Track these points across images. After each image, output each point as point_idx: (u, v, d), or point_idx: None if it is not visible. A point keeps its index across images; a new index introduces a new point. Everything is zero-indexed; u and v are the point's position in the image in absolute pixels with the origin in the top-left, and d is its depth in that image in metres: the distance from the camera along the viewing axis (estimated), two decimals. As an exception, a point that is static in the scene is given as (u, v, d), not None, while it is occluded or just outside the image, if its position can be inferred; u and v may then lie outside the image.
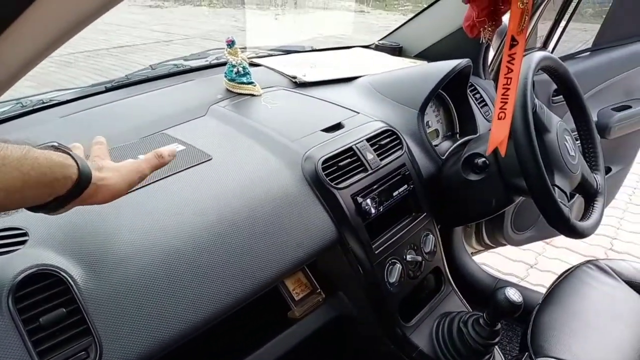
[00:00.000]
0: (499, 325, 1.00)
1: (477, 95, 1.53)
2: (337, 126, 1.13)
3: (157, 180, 0.88)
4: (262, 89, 1.29)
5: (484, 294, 1.76)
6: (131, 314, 0.70)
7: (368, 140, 1.10)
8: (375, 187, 1.05)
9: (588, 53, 1.90)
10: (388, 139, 1.13)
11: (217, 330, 0.83)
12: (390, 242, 1.05)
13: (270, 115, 1.16)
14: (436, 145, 1.32)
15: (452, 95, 1.41)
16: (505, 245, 1.97)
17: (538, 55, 1.11)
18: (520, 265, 2.52)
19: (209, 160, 0.96)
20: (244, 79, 1.26)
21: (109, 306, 0.69)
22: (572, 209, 1.74)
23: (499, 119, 0.86)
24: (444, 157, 1.26)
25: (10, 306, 0.63)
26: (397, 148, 1.14)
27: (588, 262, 1.39)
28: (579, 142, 1.29)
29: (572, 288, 1.31)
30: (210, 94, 1.25)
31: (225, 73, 1.27)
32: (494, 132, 0.90)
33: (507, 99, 0.85)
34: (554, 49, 1.87)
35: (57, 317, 0.65)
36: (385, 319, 1.04)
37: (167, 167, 0.91)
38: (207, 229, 0.82)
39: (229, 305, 0.79)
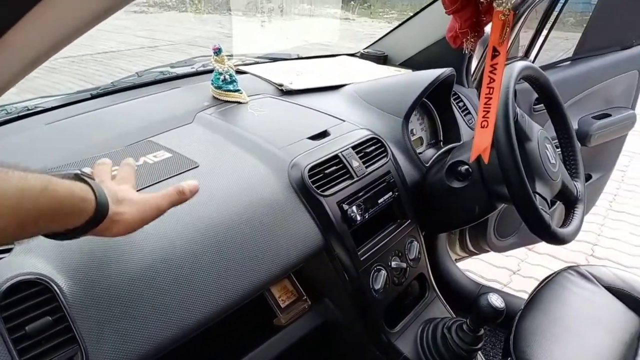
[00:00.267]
0: (482, 331, 1.02)
1: (461, 104, 1.55)
2: (323, 134, 1.15)
3: (142, 189, 0.88)
4: (249, 96, 1.29)
5: (467, 300, 1.78)
6: (117, 322, 0.70)
7: (354, 148, 1.11)
8: (360, 194, 1.06)
9: (569, 62, 1.94)
10: (373, 147, 1.15)
11: (203, 338, 0.83)
12: (376, 248, 1.07)
13: (257, 122, 1.17)
14: (420, 153, 1.34)
15: (436, 104, 1.43)
16: (488, 251, 1.99)
17: (519, 65, 1.13)
18: (503, 271, 2.55)
19: (195, 167, 0.96)
20: (231, 87, 1.27)
21: (95, 314, 0.69)
22: (553, 216, 1.78)
23: (481, 127, 0.88)
24: (428, 165, 1.28)
25: None
26: (382, 156, 1.15)
27: (569, 268, 1.42)
28: (559, 150, 1.32)
29: (553, 294, 1.33)
30: (197, 101, 1.25)
31: (212, 80, 1.28)
32: (477, 140, 0.92)
33: (489, 107, 0.87)
34: (535, 57, 1.91)
35: (43, 325, 0.65)
36: (370, 325, 1.05)
37: (152, 174, 0.92)
38: (193, 236, 0.82)
39: (215, 312, 0.79)
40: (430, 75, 1.29)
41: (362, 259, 1.03)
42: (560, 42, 2.28)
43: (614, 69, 1.97)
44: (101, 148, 1.00)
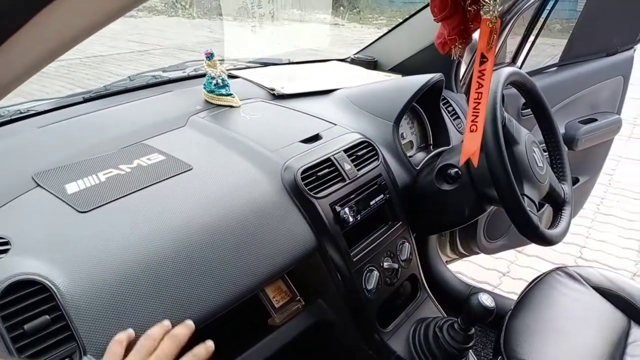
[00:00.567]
0: (473, 330, 1.04)
1: (450, 108, 1.57)
2: (315, 137, 1.16)
3: (138, 190, 0.89)
4: (241, 100, 1.31)
5: (458, 300, 1.79)
6: (115, 321, 0.71)
7: (345, 151, 1.13)
8: (352, 196, 1.08)
9: (555, 68, 1.97)
10: (365, 150, 1.16)
11: (198, 337, 0.84)
12: (368, 249, 1.08)
13: (250, 126, 1.18)
14: (411, 156, 1.36)
15: (426, 108, 1.46)
16: (478, 253, 2.02)
17: (507, 70, 1.15)
18: (493, 273, 2.58)
19: (189, 170, 0.98)
20: (223, 91, 1.28)
21: (93, 312, 0.70)
22: (542, 218, 1.80)
23: (471, 131, 0.90)
24: (418, 168, 1.30)
25: None
26: (373, 159, 1.17)
27: (557, 269, 1.45)
28: (547, 154, 1.34)
29: (542, 294, 1.35)
30: (189, 105, 1.26)
31: (204, 85, 1.29)
32: (466, 144, 0.94)
33: (478, 112, 0.89)
34: (522, 63, 1.94)
35: (41, 324, 0.66)
36: (363, 324, 1.07)
37: (148, 177, 0.93)
38: (188, 237, 0.83)
39: (210, 311, 0.81)
40: (420, 80, 1.31)
41: (354, 259, 1.04)
42: (547, 48, 2.31)
43: (600, 74, 2.01)
44: (95, 151, 1.01)
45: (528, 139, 1.18)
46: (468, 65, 1.74)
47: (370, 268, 1.08)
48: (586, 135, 1.95)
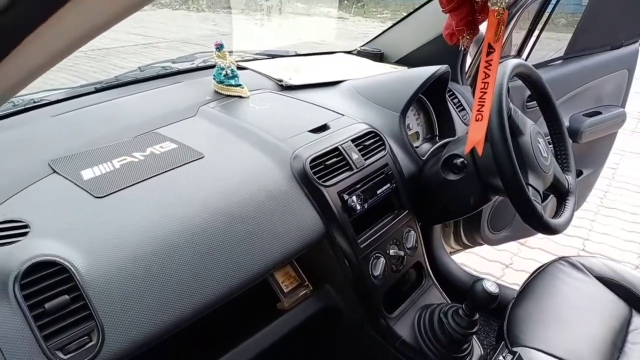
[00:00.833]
0: (477, 316, 1.06)
1: (455, 100, 1.59)
2: (323, 127, 1.18)
3: (152, 177, 0.91)
4: (250, 91, 1.33)
5: (461, 290, 1.82)
6: (131, 301, 0.73)
7: (353, 141, 1.15)
8: (360, 185, 1.10)
9: (560, 61, 1.99)
10: (372, 140, 1.18)
11: (211, 320, 0.87)
12: (375, 237, 1.10)
13: (259, 116, 1.20)
14: (417, 147, 1.38)
15: (432, 100, 1.47)
16: (482, 244, 2.04)
17: (513, 62, 1.17)
18: (496, 265, 2.60)
19: (201, 158, 1.00)
20: (232, 82, 1.30)
21: (110, 293, 0.72)
22: (546, 208, 1.82)
23: (476, 120, 0.92)
24: (424, 158, 1.32)
25: (16, 293, 0.66)
26: (380, 149, 1.19)
27: (561, 258, 1.47)
28: (551, 146, 1.36)
29: (545, 283, 1.38)
30: (199, 95, 1.28)
31: (214, 75, 1.31)
32: (472, 133, 0.96)
33: (484, 102, 0.91)
34: (527, 56, 1.95)
35: (61, 303, 0.68)
36: (369, 310, 1.09)
37: (161, 164, 0.95)
38: (201, 223, 0.86)
39: (224, 293, 0.83)
40: (426, 71, 1.33)
41: (361, 246, 1.07)
42: (552, 43, 2.32)
43: (605, 68, 2.02)
44: (108, 139, 1.03)
45: (533, 130, 1.20)
46: (474, 58, 1.75)
47: (376, 255, 1.10)
48: (590, 128, 1.96)
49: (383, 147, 1.20)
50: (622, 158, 4.01)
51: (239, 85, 1.30)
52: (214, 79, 1.31)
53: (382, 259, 1.10)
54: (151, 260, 0.78)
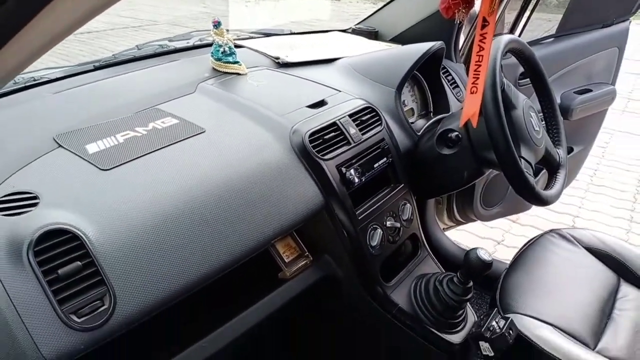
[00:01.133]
0: (471, 284, 1.10)
1: (449, 77, 1.61)
2: (321, 103, 1.20)
3: (155, 150, 0.93)
4: (247, 68, 1.34)
5: (455, 264, 1.86)
6: (140, 268, 0.76)
7: (350, 116, 1.17)
8: (357, 159, 1.13)
9: (552, 39, 2.01)
10: (368, 115, 1.21)
11: (216, 289, 0.90)
12: (372, 209, 1.13)
13: (257, 92, 1.22)
14: (412, 123, 1.40)
15: (427, 76, 1.50)
16: (475, 220, 2.08)
17: (506, 37, 1.19)
18: (488, 242, 2.65)
19: (202, 132, 1.02)
20: (230, 59, 1.31)
21: (120, 260, 0.75)
22: (538, 183, 1.86)
23: (471, 93, 0.95)
24: (419, 134, 1.34)
25: (30, 259, 0.68)
26: (377, 124, 1.21)
27: (551, 231, 1.51)
28: (544, 122, 1.39)
29: (536, 254, 1.42)
30: (198, 72, 1.30)
31: (212, 53, 1.32)
32: (467, 105, 0.98)
33: (478, 74, 0.93)
34: (519, 36, 1.97)
35: (74, 269, 0.71)
36: (367, 279, 1.12)
37: (163, 138, 0.97)
38: (205, 194, 0.88)
39: (228, 261, 0.86)
40: (421, 48, 1.35)
41: (359, 218, 1.10)
42: (543, 24, 2.34)
43: (595, 46, 2.05)
44: (110, 115, 1.05)
45: (525, 104, 1.22)
46: (467, 36, 1.77)
47: (374, 226, 1.13)
48: (581, 105, 1.99)
49: (379, 122, 1.22)
50: (611, 137, 4.07)
51: (237, 62, 1.32)
52: (212, 56, 1.32)
53: (379, 230, 1.13)
54: (158, 229, 0.80)
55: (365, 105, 1.22)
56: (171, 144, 0.96)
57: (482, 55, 0.92)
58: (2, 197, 0.77)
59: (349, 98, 1.24)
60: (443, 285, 1.12)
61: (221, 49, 1.30)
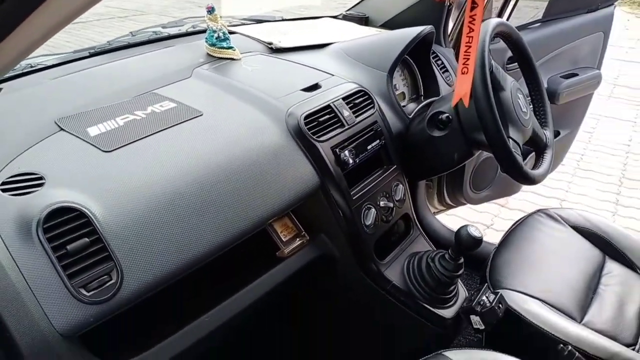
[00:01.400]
0: (462, 260, 1.13)
1: (439, 62, 1.64)
2: (315, 86, 1.23)
3: (155, 133, 0.96)
4: (241, 54, 1.36)
5: (445, 245, 1.90)
6: (146, 244, 0.79)
7: (344, 99, 1.20)
8: (351, 141, 1.16)
9: (538, 24, 2.05)
10: (361, 99, 1.24)
11: (217, 266, 0.93)
12: (366, 189, 1.17)
13: (252, 76, 1.24)
14: (403, 107, 1.43)
15: (417, 61, 1.52)
16: (464, 204, 2.12)
17: (494, 21, 1.23)
18: (477, 225, 2.67)
19: (200, 115, 1.04)
20: (224, 44, 1.33)
21: (126, 237, 0.77)
22: (526, 165, 1.90)
23: (462, 73, 0.98)
24: (410, 117, 1.38)
25: (40, 237, 0.71)
26: (369, 107, 1.24)
27: (539, 210, 1.55)
28: (531, 106, 1.43)
29: (524, 233, 1.46)
30: (193, 58, 1.32)
31: (206, 38, 1.34)
32: (459, 85, 1.02)
33: (469, 55, 0.96)
34: (507, 19, 2.00)
35: (82, 245, 0.73)
36: (362, 256, 1.16)
37: (162, 121, 1.00)
38: (205, 174, 0.91)
39: (229, 238, 0.89)
40: (412, 32, 1.38)
41: (354, 198, 1.13)
42: (530, 11, 2.37)
43: (581, 31, 2.09)
44: (109, 99, 1.07)
45: (513, 86, 1.26)
46: (456, 21, 1.80)
47: (368, 206, 1.16)
48: (567, 89, 2.03)
49: (372, 105, 1.25)
50: (598, 122, 4.13)
51: (231, 47, 1.34)
52: (206, 41, 1.34)
53: (373, 210, 1.17)
54: (161, 207, 0.83)
55: (358, 89, 1.25)
56: (170, 127, 0.98)
57: (472, 37, 0.95)
58: (8, 178, 0.79)
59: (341, 82, 1.27)
60: (435, 262, 1.15)
61: (215, 35, 1.32)
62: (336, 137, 1.13)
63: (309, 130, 1.08)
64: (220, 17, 1.44)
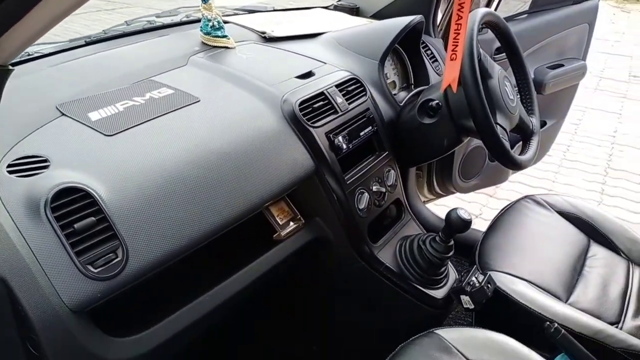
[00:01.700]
0: (452, 242, 1.17)
1: (429, 52, 1.68)
2: (309, 74, 1.26)
3: (155, 118, 0.98)
4: (235, 43, 1.39)
5: (435, 231, 1.94)
6: (149, 224, 0.81)
7: (337, 86, 1.23)
8: (344, 127, 1.19)
9: (525, 15, 2.09)
10: (354, 86, 1.27)
11: (216, 248, 0.96)
12: (359, 174, 1.20)
13: (247, 64, 1.27)
14: (394, 95, 1.46)
15: (407, 50, 1.56)
16: (453, 192, 2.16)
17: (482, 10, 1.26)
18: (466, 214, 2.74)
19: (197, 102, 1.07)
20: (219, 33, 1.36)
21: (130, 216, 0.80)
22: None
23: (451, 59, 1.02)
24: (401, 104, 1.41)
25: (48, 216, 0.73)
26: (362, 94, 1.28)
27: (526, 197, 1.60)
28: (519, 95, 1.47)
29: (512, 219, 1.51)
30: (188, 46, 1.34)
31: (201, 27, 1.36)
32: (447, 71, 1.05)
33: (457, 42, 1.00)
34: (495, 10, 2.04)
35: (89, 224, 0.76)
36: (355, 239, 1.20)
37: (161, 107, 1.02)
38: (204, 158, 0.94)
39: (228, 219, 0.92)
40: (402, 21, 1.41)
41: (348, 182, 1.16)
42: (517, 5, 2.42)
43: (566, 22, 2.13)
44: (108, 86, 1.09)
45: (500, 74, 1.30)
46: (444, 12, 1.84)
47: (361, 190, 1.20)
48: (553, 79, 2.08)
49: (364, 92, 1.28)
50: (584, 114, 4.20)
51: (225, 36, 1.36)
52: (201, 30, 1.37)
53: (366, 194, 1.20)
54: (163, 189, 0.85)
55: (351, 77, 1.28)
56: (169, 112, 1.01)
57: (461, 24, 0.99)
58: (14, 160, 0.82)
59: (334, 70, 1.30)
60: (426, 244, 1.19)
61: (210, 24, 1.34)
62: (330, 123, 1.16)
63: (303, 116, 1.11)
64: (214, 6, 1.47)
